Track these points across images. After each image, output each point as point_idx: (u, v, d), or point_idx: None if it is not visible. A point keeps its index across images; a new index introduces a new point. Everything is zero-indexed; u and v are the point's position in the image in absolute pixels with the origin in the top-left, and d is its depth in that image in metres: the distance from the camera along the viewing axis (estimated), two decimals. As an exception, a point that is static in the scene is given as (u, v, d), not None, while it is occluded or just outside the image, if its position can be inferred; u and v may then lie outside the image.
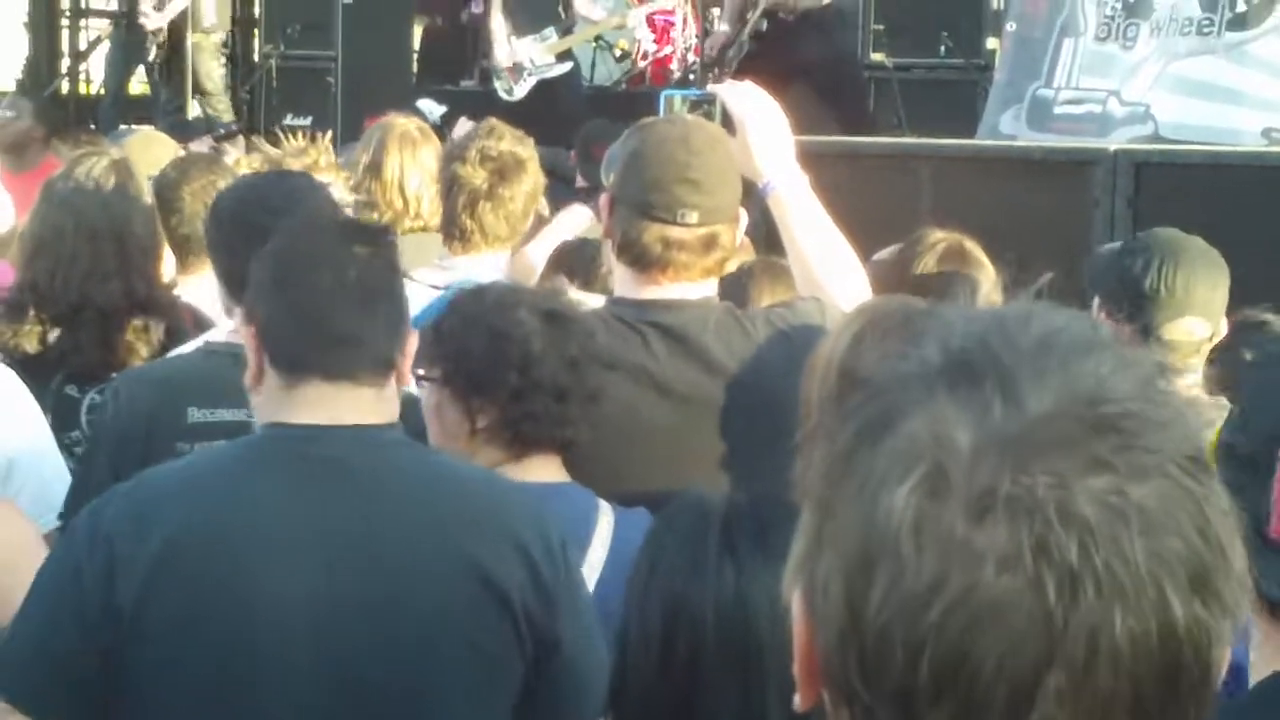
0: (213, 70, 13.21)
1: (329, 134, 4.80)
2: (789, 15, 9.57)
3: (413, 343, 2.84)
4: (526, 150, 4.72)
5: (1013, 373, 1.07)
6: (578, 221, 5.34)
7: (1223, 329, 3.84)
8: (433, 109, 11.25)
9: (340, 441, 2.72)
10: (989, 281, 3.95)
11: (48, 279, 4.11)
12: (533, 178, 4.69)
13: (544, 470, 3.19)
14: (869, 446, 1.08)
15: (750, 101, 3.55)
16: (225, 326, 3.66)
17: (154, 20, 13.32)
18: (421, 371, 3.27)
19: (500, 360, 3.12)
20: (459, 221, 4.61)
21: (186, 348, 3.79)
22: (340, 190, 4.50)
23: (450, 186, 4.64)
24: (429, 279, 4.52)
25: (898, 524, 1.05)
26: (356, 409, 2.73)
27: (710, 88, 3.71)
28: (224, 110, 12.84)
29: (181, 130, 9.32)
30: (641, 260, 3.37)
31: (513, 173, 4.62)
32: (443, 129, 7.88)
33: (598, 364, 3.24)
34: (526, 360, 3.14)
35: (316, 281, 2.76)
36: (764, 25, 9.67)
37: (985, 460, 1.04)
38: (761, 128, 3.51)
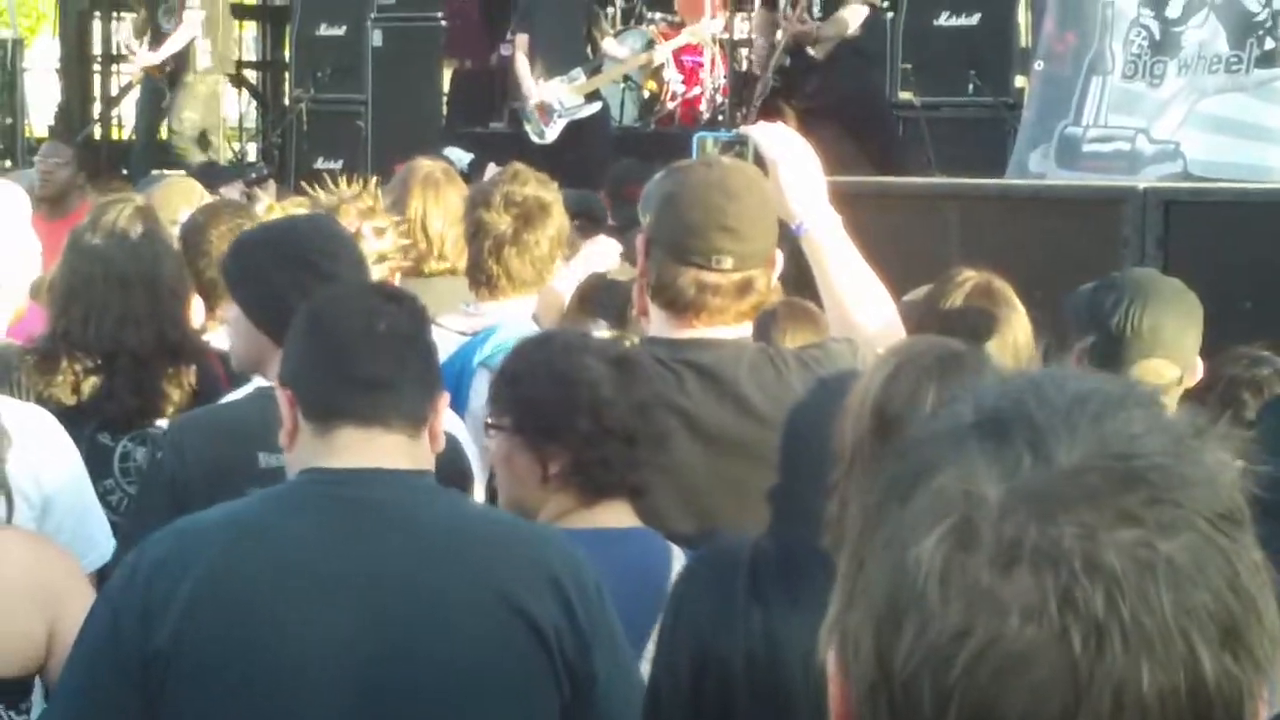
0: (199, 112, 13.09)
1: (373, 179, 4.80)
2: (812, 48, 9.58)
3: (443, 402, 2.86)
4: (550, 193, 4.72)
5: (1044, 429, 1.08)
6: (604, 254, 5.36)
7: (1198, 371, 3.82)
8: (461, 156, 11.31)
9: (375, 484, 2.74)
10: (1020, 321, 3.95)
11: (80, 327, 4.13)
12: (557, 221, 4.69)
13: (615, 516, 3.21)
14: (899, 501, 1.09)
15: (783, 142, 3.57)
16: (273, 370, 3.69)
17: (142, 59, 13.32)
18: (491, 420, 3.29)
19: (571, 406, 3.14)
20: (485, 267, 4.62)
21: (238, 393, 3.80)
22: (393, 236, 4.52)
23: (475, 232, 4.65)
24: (456, 325, 4.53)
25: (925, 574, 1.05)
26: (390, 455, 2.76)
27: (743, 129, 3.73)
28: (187, 150, 12.73)
29: (212, 175, 9.36)
30: (676, 303, 3.39)
31: (537, 217, 4.63)
32: (470, 175, 7.92)
33: (665, 408, 3.26)
34: (597, 405, 3.16)
35: (347, 331, 2.81)
36: (787, 61, 9.68)
37: (1013, 513, 1.05)
38: (794, 168, 3.52)
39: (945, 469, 1.08)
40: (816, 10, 9.56)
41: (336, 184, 4.63)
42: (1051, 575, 1.03)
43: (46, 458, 3.57)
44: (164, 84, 13.15)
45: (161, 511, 3.31)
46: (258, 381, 3.69)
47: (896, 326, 3.54)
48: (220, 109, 13.76)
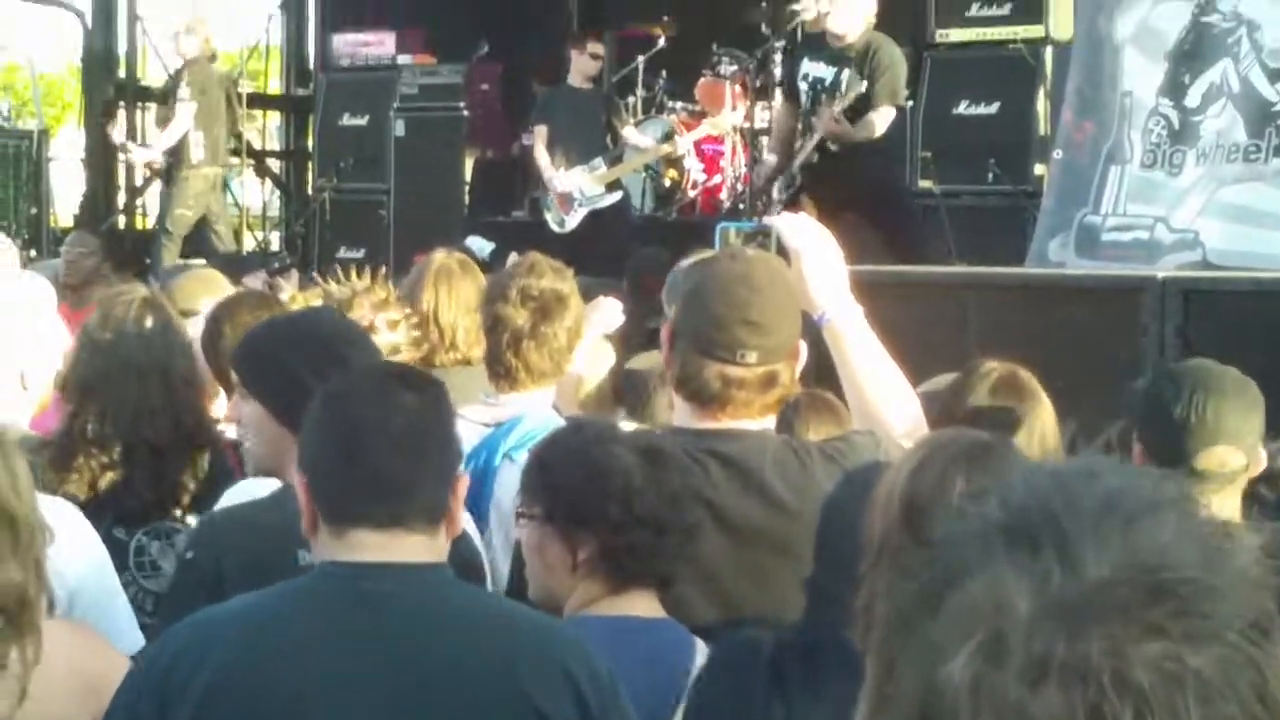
0: (193, 208, 13.14)
1: (382, 269, 4.83)
2: (838, 146, 9.65)
3: (463, 486, 2.87)
4: (567, 284, 4.73)
5: (1072, 538, 1.09)
6: (609, 316, 5.37)
7: (1262, 459, 3.83)
8: (483, 246, 11.38)
9: (391, 578, 2.75)
10: (1045, 412, 3.96)
11: (98, 423, 4.14)
12: (574, 312, 4.71)
13: (642, 605, 3.21)
14: (929, 609, 1.10)
15: (806, 233, 3.58)
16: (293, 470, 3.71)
17: (139, 155, 13.35)
18: (522, 509, 3.31)
19: (602, 493, 3.15)
20: (504, 360, 4.63)
21: (252, 484, 3.82)
22: (405, 329, 4.55)
23: (493, 326, 4.66)
24: (479, 416, 4.55)
25: (956, 689, 1.06)
26: (409, 551, 2.77)
27: (766, 220, 3.74)
28: (172, 252, 12.79)
29: (236, 265, 9.42)
30: (701, 396, 3.40)
31: (554, 309, 4.64)
32: (492, 265, 7.96)
33: (697, 500, 3.27)
34: (627, 493, 3.17)
35: (363, 424, 2.79)
36: (815, 158, 9.74)
37: (1042, 627, 1.06)
38: (817, 259, 3.53)
39: (975, 577, 1.09)
40: (839, 107, 9.60)
41: (360, 274, 4.66)
42: (1080, 691, 1.04)
43: (71, 551, 3.58)
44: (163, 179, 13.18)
45: (196, 609, 3.31)
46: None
47: (919, 419, 3.56)
48: (221, 200, 13.76)
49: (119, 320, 4.23)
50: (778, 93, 10.88)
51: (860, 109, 9.59)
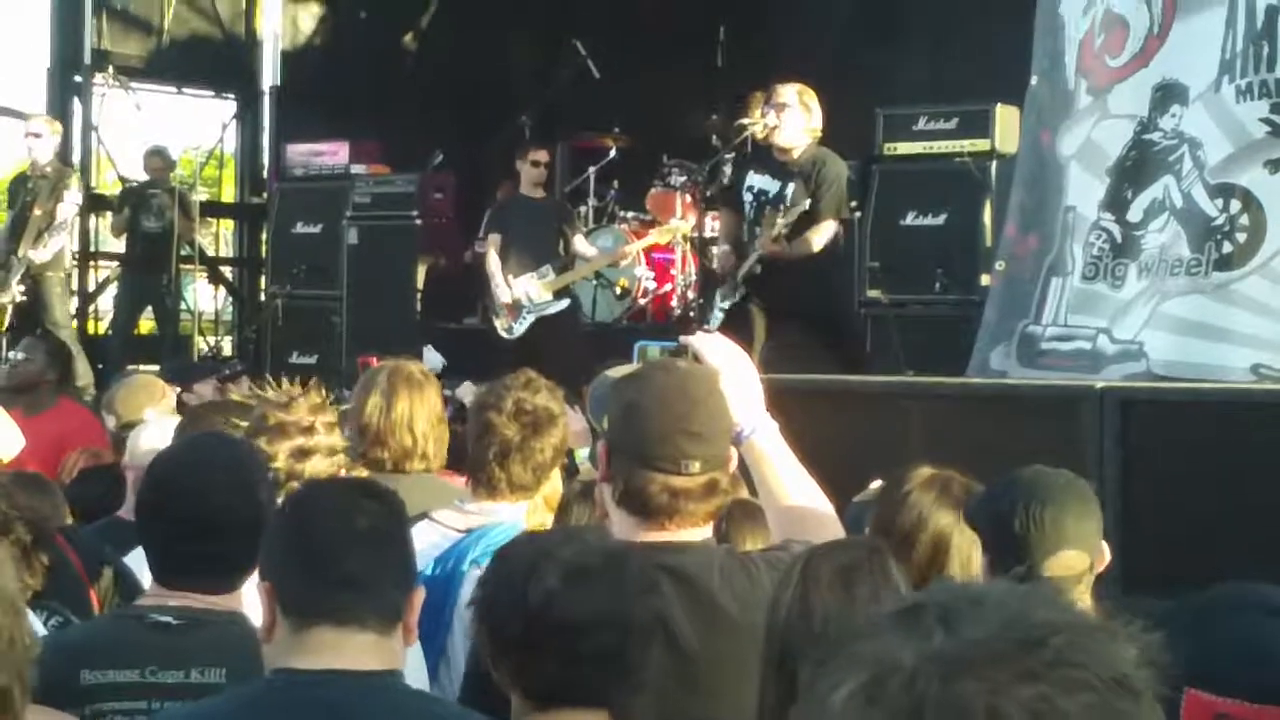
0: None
1: (312, 382, 4.89)
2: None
3: (419, 597, 2.91)
4: (558, 404, 4.82)
5: (954, 610, 1.16)
6: (575, 432, 5.45)
7: (1105, 555, 3.88)
8: (435, 360, 11.45)
9: (345, 688, 2.79)
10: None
11: None
12: (561, 431, 4.79)
13: None
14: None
15: (721, 351, 3.65)
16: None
17: (37, 257, 13.14)
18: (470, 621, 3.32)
19: (509, 610, 3.10)
20: (488, 469, 4.68)
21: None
22: (336, 436, 4.62)
23: (481, 434, 4.73)
24: (452, 521, 4.61)
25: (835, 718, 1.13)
26: (362, 656, 2.81)
27: (682, 339, 3.78)
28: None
29: (184, 373, 9.43)
30: (646, 509, 3.43)
31: (545, 426, 4.71)
32: (443, 378, 8.02)
33: (630, 626, 3.25)
34: (533, 615, 3.11)
35: (327, 530, 2.86)
36: (758, 269, 9.85)
37: (923, 671, 1.13)
38: (735, 376, 3.59)
39: (863, 643, 1.17)
40: (784, 221, 9.72)
41: (295, 383, 4.73)
42: None
43: None
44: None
45: None
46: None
47: (835, 527, 3.62)
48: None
49: None
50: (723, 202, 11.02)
51: (803, 225, 9.71)
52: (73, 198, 12.98)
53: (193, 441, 4.00)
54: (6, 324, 12.56)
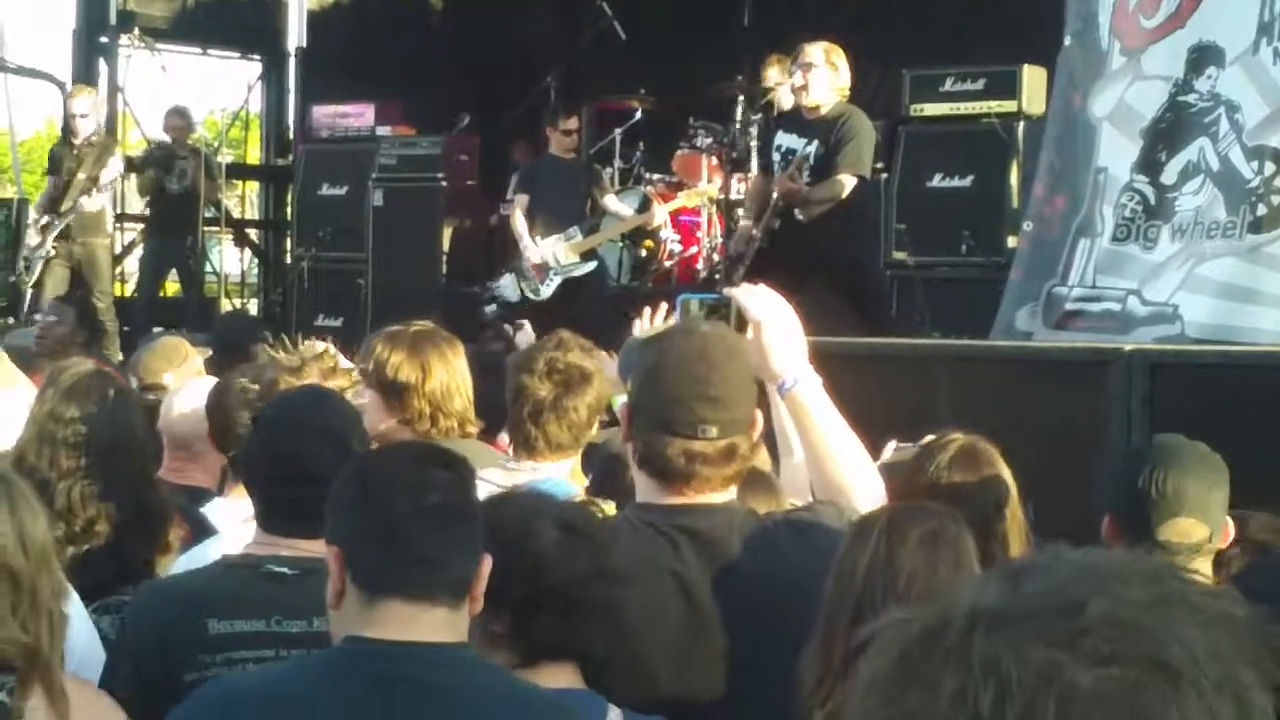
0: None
1: (327, 343, 4.89)
2: (801, 210, 9.70)
3: (487, 565, 2.89)
4: (593, 362, 4.81)
5: (1025, 570, 1.16)
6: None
7: (1229, 531, 3.89)
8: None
9: (418, 660, 2.77)
10: (1004, 484, 4.00)
11: (64, 501, 4.13)
12: (597, 389, 4.78)
13: (555, 677, 3.20)
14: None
15: (765, 304, 3.62)
16: (239, 538, 3.77)
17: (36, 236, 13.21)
18: None
19: (506, 570, 3.13)
20: (524, 430, 4.71)
21: (203, 550, 3.90)
22: (353, 395, 4.61)
23: (516, 395, 4.74)
24: (498, 479, 4.60)
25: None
26: (432, 629, 2.80)
27: (726, 291, 3.76)
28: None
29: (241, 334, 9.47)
30: (665, 473, 3.42)
31: (578, 385, 4.71)
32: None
33: (617, 578, 3.27)
34: (534, 572, 3.15)
35: (399, 504, 2.83)
36: (777, 224, 9.80)
37: (960, 627, 1.12)
38: (777, 329, 3.58)
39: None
40: (806, 175, 9.70)
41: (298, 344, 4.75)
42: (956, 676, 1.09)
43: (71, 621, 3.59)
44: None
45: (125, 677, 3.43)
46: (218, 546, 3.81)
47: (878, 486, 3.60)
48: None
49: (73, 397, 4.21)
50: (753, 164, 10.97)
51: (823, 176, 9.67)
52: (116, 165, 13.01)
53: (294, 395, 4.13)
54: (58, 291, 12.60)
